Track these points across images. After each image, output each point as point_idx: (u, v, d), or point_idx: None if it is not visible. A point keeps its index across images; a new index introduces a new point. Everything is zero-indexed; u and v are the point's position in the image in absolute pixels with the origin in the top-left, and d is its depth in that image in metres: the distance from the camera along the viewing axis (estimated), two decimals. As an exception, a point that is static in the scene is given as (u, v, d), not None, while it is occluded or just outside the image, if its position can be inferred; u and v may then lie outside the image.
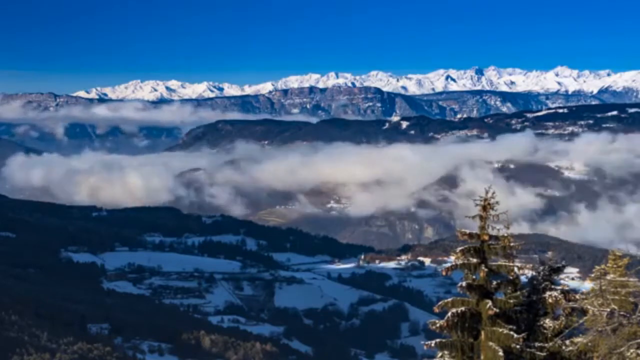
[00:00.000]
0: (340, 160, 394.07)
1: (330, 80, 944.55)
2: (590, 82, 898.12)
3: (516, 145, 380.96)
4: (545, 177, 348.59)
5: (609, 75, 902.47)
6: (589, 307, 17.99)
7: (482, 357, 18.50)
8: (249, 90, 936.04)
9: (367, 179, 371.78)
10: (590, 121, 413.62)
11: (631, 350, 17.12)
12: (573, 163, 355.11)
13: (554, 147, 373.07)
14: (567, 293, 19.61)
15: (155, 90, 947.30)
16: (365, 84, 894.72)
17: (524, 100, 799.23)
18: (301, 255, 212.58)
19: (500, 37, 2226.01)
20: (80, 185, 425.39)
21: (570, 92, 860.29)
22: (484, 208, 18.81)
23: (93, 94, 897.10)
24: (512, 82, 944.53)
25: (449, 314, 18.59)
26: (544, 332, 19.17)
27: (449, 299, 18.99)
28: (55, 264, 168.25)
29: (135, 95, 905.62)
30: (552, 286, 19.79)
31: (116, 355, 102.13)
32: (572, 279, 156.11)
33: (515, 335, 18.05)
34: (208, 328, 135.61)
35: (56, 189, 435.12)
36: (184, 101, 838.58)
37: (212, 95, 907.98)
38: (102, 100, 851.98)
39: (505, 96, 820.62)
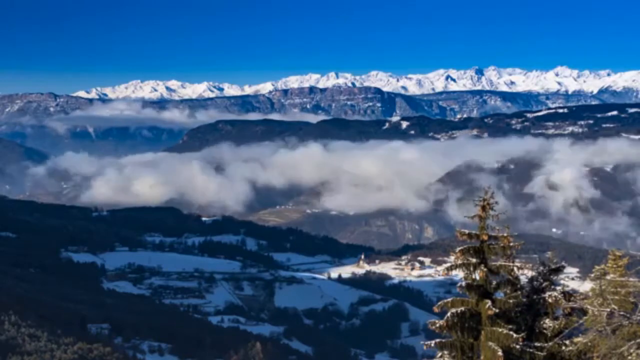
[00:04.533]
0: (340, 161, 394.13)
1: (330, 80, 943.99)
2: (590, 82, 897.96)
3: (516, 145, 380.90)
4: (545, 177, 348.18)
5: (609, 75, 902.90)
6: (588, 307, 17.97)
7: (481, 357, 18.49)
8: (249, 90, 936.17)
9: (367, 179, 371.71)
10: (590, 121, 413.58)
11: (631, 351, 17.10)
12: (573, 163, 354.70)
13: (553, 147, 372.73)
14: (567, 293, 19.60)
15: (156, 90, 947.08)
16: (365, 84, 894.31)
17: (524, 100, 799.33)
18: (301, 255, 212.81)
19: (500, 37, 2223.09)
20: (81, 186, 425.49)
21: (570, 92, 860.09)
22: (483, 208, 18.81)
23: (93, 94, 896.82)
24: (512, 82, 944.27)
25: (449, 314, 18.57)
26: (544, 332, 19.16)
27: (449, 299, 18.97)
28: (55, 264, 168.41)
29: (135, 95, 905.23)
30: (552, 286, 19.78)
31: (116, 355, 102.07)
32: (572, 279, 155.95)
33: (515, 335, 18.04)
34: (208, 328, 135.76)
35: (57, 190, 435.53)
36: (184, 101, 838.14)
37: (212, 95, 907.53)
38: (102, 100, 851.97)
39: (505, 96, 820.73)
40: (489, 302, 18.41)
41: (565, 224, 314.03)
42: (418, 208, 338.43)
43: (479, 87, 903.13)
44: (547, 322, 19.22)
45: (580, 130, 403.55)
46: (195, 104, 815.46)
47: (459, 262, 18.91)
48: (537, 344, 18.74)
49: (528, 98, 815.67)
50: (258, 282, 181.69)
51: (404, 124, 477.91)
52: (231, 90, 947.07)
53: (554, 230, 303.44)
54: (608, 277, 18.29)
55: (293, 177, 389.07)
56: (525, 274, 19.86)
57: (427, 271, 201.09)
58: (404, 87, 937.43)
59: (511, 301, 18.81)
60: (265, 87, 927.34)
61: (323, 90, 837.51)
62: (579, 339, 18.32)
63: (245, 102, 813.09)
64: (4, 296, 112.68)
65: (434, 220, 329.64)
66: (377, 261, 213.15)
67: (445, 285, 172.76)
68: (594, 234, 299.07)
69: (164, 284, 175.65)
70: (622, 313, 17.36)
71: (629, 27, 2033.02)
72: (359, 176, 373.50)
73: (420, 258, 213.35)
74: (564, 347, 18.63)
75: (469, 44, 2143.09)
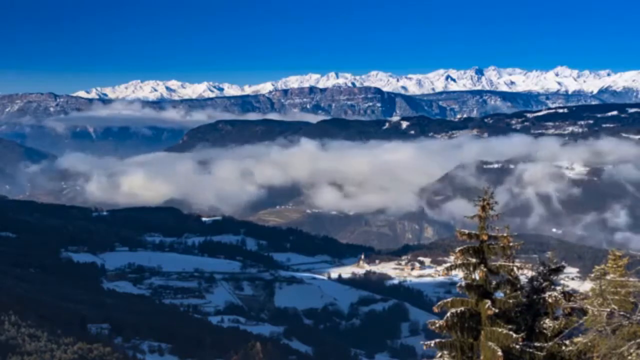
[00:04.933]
0: (340, 161, 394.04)
1: (330, 80, 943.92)
2: (590, 82, 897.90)
3: (516, 145, 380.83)
4: (545, 177, 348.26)
5: (609, 75, 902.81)
6: (588, 307, 17.95)
7: (481, 357, 18.47)
8: (249, 90, 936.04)
9: (367, 179, 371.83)
10: (590, 121, 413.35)
11: (631, 351, 17.09)
12: (573, 163, 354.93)
13: (553, 147, 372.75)
14: (567, 293, 19.58)
15: (155, 90, 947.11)
16: (365, 84, 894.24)
17: (524, 100, 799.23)
18: (301, 255, 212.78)
19: (500, 37, 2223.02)
20: (81, 186, 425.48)
21: (570, 92, 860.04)
22: (483, 208, 18.79)
23: (93, 94, 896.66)
24: (512, 82, 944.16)
25: (449, 314, 18.56)
26: (544, 332, 19.15)
27: (449, 299, 18.95)
28: (55, 264, 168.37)
29: (135, 95, 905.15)
30: (552, 286, 19.76)
31: (116, 355, 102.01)
32: (572, 279, 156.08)
33: (515, 335, 18.02)
34: (208, 328, 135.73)
35: (57, 190, 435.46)
36: (184, 101, 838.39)
37: (212, 95, 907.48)
38: (102, 100, 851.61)
39: (505, 96, 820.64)
40: (488, 302, 18.40)
41: (566, 224, 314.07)
42: (418, 208, 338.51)
43: (479, 87, 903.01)
44: (547, 322, 19.20)
45: (580, 130, 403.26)
46: (195, 104, 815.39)
47: (459, 262, 18.89)
48: (537, 344, 18.73)
49: (528, 98, 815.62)
50: (258, 282, 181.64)
51: (404, 124, 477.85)
52: (231, 90, 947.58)
53: (553, 230, 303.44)
54: (608, 277, 18.27)
55: (293, 177, 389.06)
56: (525, 274, 19.84)
57: (427, 271, 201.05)
58: (404, 87, 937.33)
59: (511, 301, 18.80)
60: (265, 87, 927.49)
61: (323, 90, 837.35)
62: (579, 339, 18.31)
63: (245, 102, 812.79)
64: (4, 296, 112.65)
65: (434, 220, 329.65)
66: (377, 261, 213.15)
67: (445, 285, 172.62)
68: (594, 233, 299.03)
69: (164, 284, 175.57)
70: (622, 313, 17.34)
71: (629, 27, 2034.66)
72: (359, 176, 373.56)
73: (420, 258, 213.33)
74: (564, 347, 18.62)
75: (469, 44, 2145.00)
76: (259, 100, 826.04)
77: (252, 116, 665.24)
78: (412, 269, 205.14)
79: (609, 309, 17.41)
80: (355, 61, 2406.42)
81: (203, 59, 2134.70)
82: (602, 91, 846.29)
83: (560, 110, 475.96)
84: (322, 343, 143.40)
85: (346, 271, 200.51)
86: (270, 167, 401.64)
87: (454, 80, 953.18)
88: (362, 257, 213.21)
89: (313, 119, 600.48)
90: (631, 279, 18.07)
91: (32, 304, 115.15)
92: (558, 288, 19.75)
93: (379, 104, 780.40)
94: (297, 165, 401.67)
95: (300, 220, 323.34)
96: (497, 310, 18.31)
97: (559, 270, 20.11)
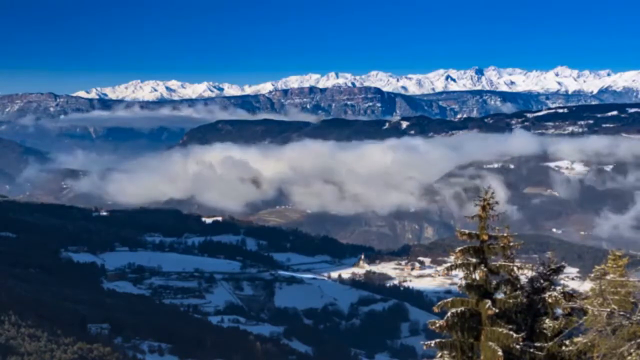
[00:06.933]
0: (340, 161, 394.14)
1: (330, 80, 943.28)
2: (590, 82, 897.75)
3: (516, 145, 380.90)
4: (545, 177, 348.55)
5: (609, 75, 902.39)
6: (588, 307, 17.96)
7: (481, 357, 18.49)
8: (249, 90, 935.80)
9: (367, 179, 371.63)
10: (590, 121, 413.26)
11: (631, 351, 17.10)
12: (573, 163, 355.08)
13: (554, 147, 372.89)
14: (567, 293, 19.60)
15: (155, 90, 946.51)
16: (365, 84, 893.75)
17: (524, 100, 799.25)
18: (301, 255, 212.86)
19: (500, 37, 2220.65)
20: (81, 186, 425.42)
21: (570, 92, 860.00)
22: (483, 208, 18.80)
23: (93, 94, 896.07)
24: (512, 82, 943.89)
25: (449, 314, 18.56)
26: (544, 332, 19.16)
27: (449, 299, 18.96)
28: (55, 264, 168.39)
29: (135, 95, 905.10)
30: (552, 286, 19.78)
31: (116, 355, 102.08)
32: (572, 279, 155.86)
33: (515, 335, 18.03)
34: (208, 328, 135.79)
35: (57, 190, 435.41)
36: (184, 101, 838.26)
37: (212, 95, 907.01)
38: (102, 100, 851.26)
39: (505, 96, 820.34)
40: (489, 302, 18.41)
41: (566, 224, 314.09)
42: (418, 208, 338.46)
43: (479, 87, 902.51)
44: (547, 322, 19.21)
45: (580, 130, 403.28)
46: (195, 104, 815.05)
47: (459, 262, 18.90)
48: (537, 344, 18.74)
49: (528, 98, 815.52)
50: (258, 282, 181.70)
51: (404, 124, 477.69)
52: (231, 90, 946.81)
53: (554, 230, 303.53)
54: (608, 277, 18.28)
55: (293, 177, 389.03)
56: (525, 274, 19.85)
57: (427, 271, 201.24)
58: (404, 87, 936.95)
59: (511, 301, 18.81)
60: (265, 87, 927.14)
61: (323, 90, 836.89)
62: (579, 339, 18.32)
63: (245, 102, 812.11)
64: (4, 296, 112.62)
65: (434, 220, 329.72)
66: (377, 261, 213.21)
67: (445, 285, 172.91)
68: (594, 233, 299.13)
69: (164, 284, 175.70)
70: (622, 313, 17.35)
71: (629, 27, 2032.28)
72: (359, 176, 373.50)
73: (420, 258, 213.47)
74: (564, 347, 18.63)
75: (469, 43, 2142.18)
76: (259, 100, 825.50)
77: (252, 116, 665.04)
78: (412, 269, 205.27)
79: (609, 309, 17.41)
80: (355, 61, 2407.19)
81: (203, 59, 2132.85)
82: (602, 91, 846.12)
83: (560, 110, 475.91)
84: (322, 343, 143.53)
85: (346, 271, 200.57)
86: (270, 167, 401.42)
87: (454, 80, 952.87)
88: (362, 257, 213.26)
89: (313, 119, 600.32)
90: (631, 279, 18.08)
91: (32, 304, 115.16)
92: (558, 288, 19.77)
93: (379, 104, 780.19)
94: (297, 165, 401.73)
95: (300, 220, 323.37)
96: (497, 310, 18.32)
97: (559, 270, 20.12)
